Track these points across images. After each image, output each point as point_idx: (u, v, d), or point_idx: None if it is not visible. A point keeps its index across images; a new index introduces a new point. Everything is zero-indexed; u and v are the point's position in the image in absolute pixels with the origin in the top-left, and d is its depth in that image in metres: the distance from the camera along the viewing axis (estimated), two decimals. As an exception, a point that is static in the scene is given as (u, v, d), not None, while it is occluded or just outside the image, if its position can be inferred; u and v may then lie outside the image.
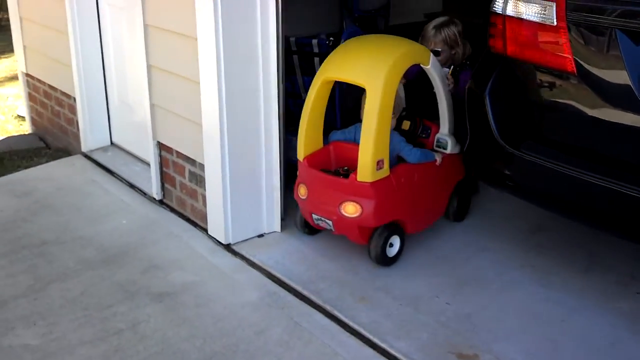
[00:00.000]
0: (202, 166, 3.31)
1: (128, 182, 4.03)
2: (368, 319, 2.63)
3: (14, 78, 6.97)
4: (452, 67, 3.45)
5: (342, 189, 2.86)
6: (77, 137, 4.55)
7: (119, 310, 2.75)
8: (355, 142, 2.90)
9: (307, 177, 3.01)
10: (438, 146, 3.21)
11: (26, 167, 4.50)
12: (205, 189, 3.29)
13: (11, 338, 2.58)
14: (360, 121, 2.87)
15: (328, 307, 2.71)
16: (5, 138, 5.37)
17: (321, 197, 2.94)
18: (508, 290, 2.83)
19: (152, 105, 3.62)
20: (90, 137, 4.47)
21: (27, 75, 5.15)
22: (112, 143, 4.55)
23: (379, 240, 2.90)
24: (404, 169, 2.98)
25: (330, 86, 3.02)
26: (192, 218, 3.53)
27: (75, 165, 4.41)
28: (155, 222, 3.57)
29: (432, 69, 3.03)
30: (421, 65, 3.00)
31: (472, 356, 2.41)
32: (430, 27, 3.48)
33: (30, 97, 5.24)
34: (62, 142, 4.88)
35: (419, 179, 3.04)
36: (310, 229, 3.22)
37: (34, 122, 5.34)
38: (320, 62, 3.11)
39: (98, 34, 4.35)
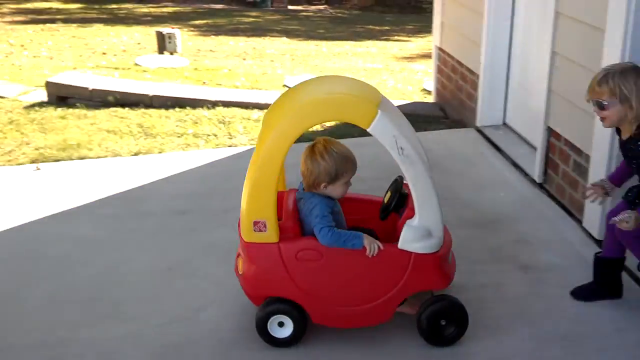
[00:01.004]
0: (587, 157, 3.36)
1: (512, 161, 4.27)
2: None
3: (425, 56, 7.77)
4: None
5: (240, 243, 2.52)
6: (473, 112, 4.94)
7: (485, 269, 3.04)
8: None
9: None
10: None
11: (425, 130, 5.08)
12: (587, 181, 3.35)
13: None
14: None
15: None
16: (412, 103, 6.12)
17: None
18: None
19: (549, 91, 3.76)
20: (486, 114, 4.81)
21: (440, 49, 5.73)
22: (504, 123, 4.83)
23: (261, 313, 2.47)
24: (309, 244, 2.40)
25: None
26: (568, 207, 3.62)
27: (468, 136, 4.83)
28: (531, 202, 3.76)
29: (376, 134, 2.28)
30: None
31: None
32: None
33: (439, 70, 5.82)
34: (459, 114, 5.35)
35: (333, 265, 2.42)
36: None
37: (438, 93, 5.93)
38: None
39: (510, 17, 4.60)
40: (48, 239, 3.38)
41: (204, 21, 16.33)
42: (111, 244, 3.33)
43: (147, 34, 13.04)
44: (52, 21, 14.77)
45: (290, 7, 21.64)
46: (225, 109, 5.46)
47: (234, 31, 14.31)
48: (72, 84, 5.72)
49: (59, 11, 17.60)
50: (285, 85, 7.19)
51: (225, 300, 2.80)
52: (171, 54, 9.49)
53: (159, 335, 2.60)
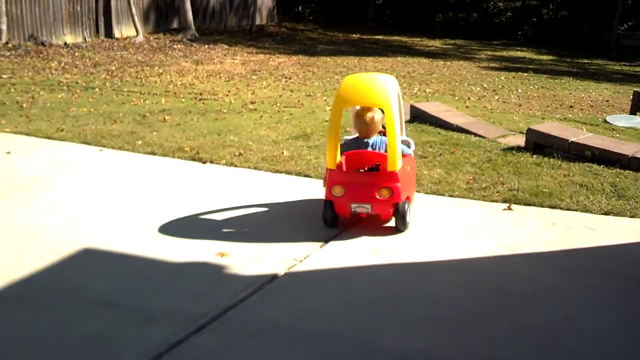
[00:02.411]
0: None
1: None
2: None
3: None
4: None
5: (377, 179, 4.07)
6: None
7: None
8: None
9: (343, 178, 4.11)
10: None
11: None
12: None
13: None
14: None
15: None
16: None
17: (359, 189, 4.06)
18: None
19: None
20: None
21: None
22: None
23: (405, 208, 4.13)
24: (404, 161, 4.19)
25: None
26: None
27: None
28: None
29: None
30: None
31: None
32: None
33: None
34: None
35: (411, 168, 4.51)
36: (333, 223, 4.20)
37: None
38: None
39: None
40: (509, 278, 3.58)
41: (684, 84, 15.04)
42: (570, 297, 3.36)
43: (616, 92, 12.64)
44: (524, 70, 15.51)
45: None
46: None
47: None
48: (553, 134, 5.90)
49: (531, 61, 18.39)
50: None
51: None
52: (645, 115, 9.00)
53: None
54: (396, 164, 4.00)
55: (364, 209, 4.09)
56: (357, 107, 4.42)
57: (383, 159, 4.13)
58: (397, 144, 4.01)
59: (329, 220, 4.20)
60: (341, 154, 4.21)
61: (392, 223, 4.20)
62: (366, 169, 4.25)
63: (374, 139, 4.36)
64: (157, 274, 3.57)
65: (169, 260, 3.72)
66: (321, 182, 4.47)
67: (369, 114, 4.31)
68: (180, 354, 2.80)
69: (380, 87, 4.17)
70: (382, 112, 4.16)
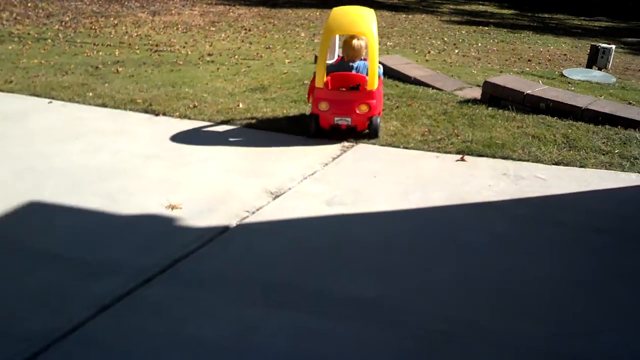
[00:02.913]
0: None
1: None
2: None
3: None
4: None
5: (358, 97, 4.88)
6: None
7: None
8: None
9: (329, 95, 4.89)
10: None
11: None
12: None
13: None
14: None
15: None
16: None
17: (343, 104, 4.88)
18: None
19: None
20: None
21: None
22: None
23: (377, 121, 4.99)
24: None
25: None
26: None
27: None
28: None
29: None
30: None
31: None
32: None
33: None
34: None
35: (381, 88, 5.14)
36: (317, 134, 4.99)
37: None
38: None
39: None
40: (459, 227, 3.62)
41: (637, 39, 15.23)
42: (519, 245, 3.42)
43: (574, 46, 12.75)
44: (485, 24, 15.49)
45: None
46: (661, 134, 5.04)
47: (673, 51, 13.03)
48: (508, 86, 5.92)
49: (493, 15, 18.37)
50: None
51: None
52: (599, 69, 9.11)
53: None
54: (375, 84, 4.87)
55: (344, 122, 4.94)
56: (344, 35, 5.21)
57: (362, 80, 4.96)
58: (376, 67, 4.85)
59: (313, 132, 5.01)
60: (327, 75, 4.96)
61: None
62: (349, 88, 5.02)
63: (358, 62, 5.12)
64: (105, 227, 3.51)
65: (117, 213, 3.66)
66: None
67: (356, 42, 5.08)
68: (128, 306, 2.78)
69: (365, 18, 5.02)
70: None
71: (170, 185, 4.07)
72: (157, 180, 4.14)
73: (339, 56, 5.51)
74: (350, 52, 5.11)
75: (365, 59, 5.05)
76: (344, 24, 5.07)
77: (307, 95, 5.32)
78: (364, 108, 4.87)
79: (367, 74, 4.90)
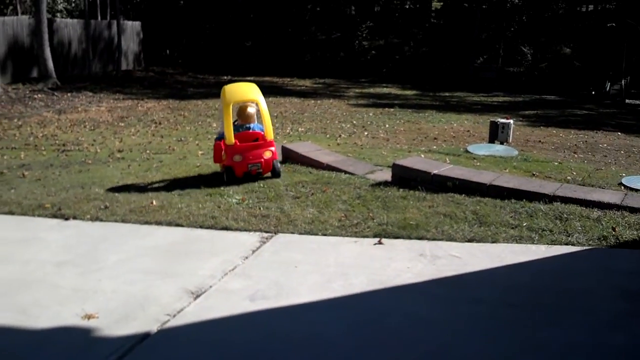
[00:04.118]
0: None
1: None
2: None
3: None
4: None
5: (265, 146, 6.40)
6: None
7: None
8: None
9: (241, 149, 6.35)
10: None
11: None
12: None
13: None
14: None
15: None
16: None
17: (253, 153, 6.35)
18: None
19: None
20: None
21: None
22: None
23: (277, 163, 6.57)
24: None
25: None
26: None
27: None
28: None
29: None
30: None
31: None
32: None
33: None
34: None
35: None
36: (233, 182, 6.31)
37: None
38: None
39: None
40: (382, 312, 3.65)
41: (534, 112, 16.27)
42: (443, 327, 3.47)
43: (476, 122, 13.47)
44: (391, 105, 16.18)
45: (628, 100, 20.37)
46: (563, 205, 5.33)
47: (565, 123, 13.99)
48: (416, 168, 6.14)
49: (397, 96, 19.22)
50: (621, 184, 6.77)
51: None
52: (501, 143, 9.63)
53: None
54: (271, 135, 6.52)
55: (255, 167, 6.40)
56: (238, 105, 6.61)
57: (259, 135, 6.48)
58: (270, 124, 6.45)
59: (230, 181, 6.32)
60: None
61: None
62: (252, 141, 6.47)
63: (253, 125, 6.60)
64: (18, 344, 3.31)
65: (31, 327, 3.47)
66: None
67: (250, 109, 6.57)
68: None
69: (253, 89, 6.66)
70: (256, 105, 6.54)
71: (85, 293, 3.91)
72: (70, 289, 3.97)
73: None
74: (245, 117, 6.56)
75: (254, 122, 6.62)
76: (239, 95, 6.57)
77: (214, 159, 6.72)
78: (268, 154, 6.45)
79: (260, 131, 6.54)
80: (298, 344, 3.29)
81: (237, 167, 6.33)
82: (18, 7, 23.10)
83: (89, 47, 22.66)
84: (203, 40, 28.54)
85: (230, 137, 6.32)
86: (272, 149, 6.44)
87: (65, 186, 6.48)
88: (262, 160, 6.39)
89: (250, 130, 6.52)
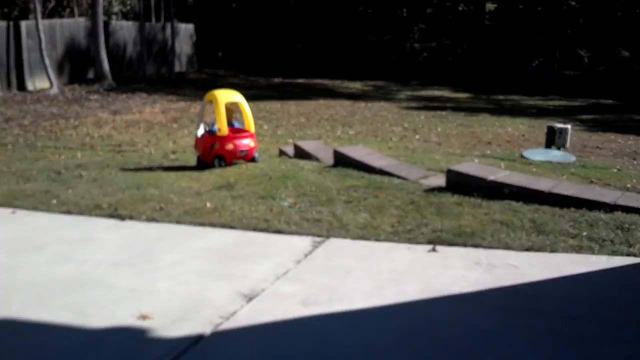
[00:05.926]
0: None
1: None
2: None
3: None
4: None
5: (249, 137, 7.80)
6: None
7: None
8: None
9: (233, 138, 7.69)
10: None
11: None
12: None
13: None
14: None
15: None
16: None
17: (242, 142, 7.73)
18: None
19: None
20: None
21: None
22: None
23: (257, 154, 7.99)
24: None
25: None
26: None
27: None
28: None
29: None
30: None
31: None
32: None
33: None
34: None
35: None
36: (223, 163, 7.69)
37: None
38: None
39: None
40: (436, 322, 3.58)
41: (592, 116, 15.84)
42: (499, 339, 3.38)
43: (531, 126, 13.17)
44: (443, 108, 15.98)
45: (690, 105, 19.61)
46: (625, 214, 5.15)
47: (623, 128, 13.56)
48: (471, 174, 6.03)
49: (449, 99, 18.97)
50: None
51: None
52: (558, 148, 9.39)
53: None
54: (253, 128, 7.90)
55: (244, 154, 7.71)
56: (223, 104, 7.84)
57: (243, 129, 7.89)
58: (252, 119, 7.91)
59: (218, 166, 7.54)
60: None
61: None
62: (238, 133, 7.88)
63: (233, 121, 8.02)
64: (73, 343, 3.36)
65: (87, 326, 3.52)
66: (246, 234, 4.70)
67: (233, 109, 8.04)
68: None
69: (237, 94, 8.04)
70: (239, 106, 7.95)
71: (141, 293, 3.96)
72: (126, 289, 4.02)
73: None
74: (230, 115, 7.92)
75: (236, 118, 8.16)
76: (228, 97, 7.89)
77: (195, 147, 8.05)
78: (252, 143, 7.83)
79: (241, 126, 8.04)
80: (350, 352, 3.25)
81: (229, 154, 7.63)
82: (75, 9, 23.71)
83: (143, 49, 23.13)
84: (254, 42, 28.79)
85: (225, 129, 7.59)
86: (254, 139, 7.91)
87: (121, 187, 6.59)
88: (248, 148, 7.75)
89: (234, 127, 8.02)
